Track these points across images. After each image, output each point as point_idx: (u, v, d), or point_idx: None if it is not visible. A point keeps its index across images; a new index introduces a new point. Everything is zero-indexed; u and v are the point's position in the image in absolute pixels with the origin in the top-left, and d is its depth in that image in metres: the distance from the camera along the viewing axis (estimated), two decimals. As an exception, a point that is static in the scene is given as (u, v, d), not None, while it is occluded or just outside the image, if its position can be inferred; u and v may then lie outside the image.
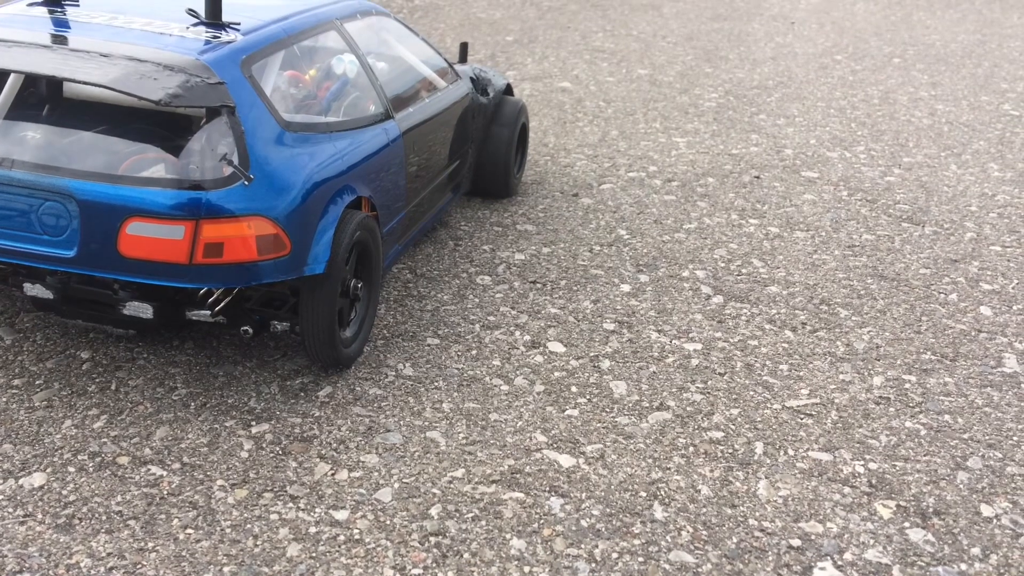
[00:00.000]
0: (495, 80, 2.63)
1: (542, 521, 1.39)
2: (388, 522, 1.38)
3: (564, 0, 7.07)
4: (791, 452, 1.61)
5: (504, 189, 2.68)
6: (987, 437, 1.69)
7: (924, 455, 1.62)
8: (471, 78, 2.53)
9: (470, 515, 1.40)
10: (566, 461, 1.54)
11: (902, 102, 4.48)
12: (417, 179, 2.04)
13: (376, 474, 1.48)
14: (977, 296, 2.31)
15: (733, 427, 1.67)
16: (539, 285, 2.20)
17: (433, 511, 1.40)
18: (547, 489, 1.46)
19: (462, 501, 1.43)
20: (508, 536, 1.36)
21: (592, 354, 1.91)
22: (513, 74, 4.49)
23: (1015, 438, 1.69)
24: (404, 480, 1.47)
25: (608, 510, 1.42)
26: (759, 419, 1.70)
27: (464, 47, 2.84)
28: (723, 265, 2.40)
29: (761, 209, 2.86)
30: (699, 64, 5.06)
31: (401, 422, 1.62)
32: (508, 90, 2.73)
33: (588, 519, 1.40)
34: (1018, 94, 4.86)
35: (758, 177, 3.18)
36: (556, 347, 1.92)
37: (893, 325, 2.12)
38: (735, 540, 1.38)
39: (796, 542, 1.38)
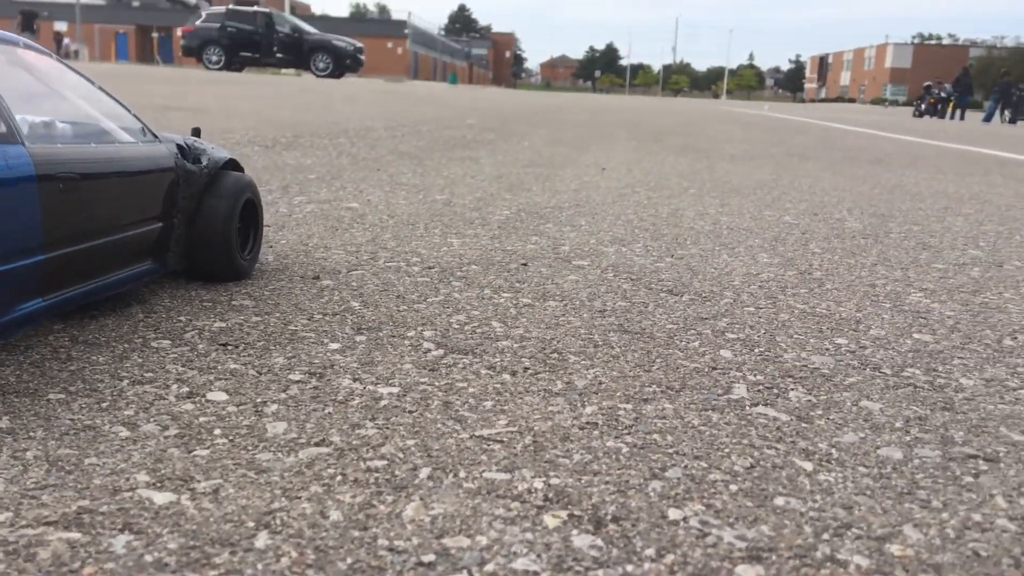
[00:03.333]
0: (212, 152, 2.45)
1: (89, 560, 1.05)
2: None
3: (383, 152, 7.19)
4: (462, 475, 1.34)
5: (227, 270, 2.43)
6: (695, 451, 1.49)
7: (619, 469, 1.39)
8: (179, 145, 2.33)
9: (-14, 559, 1.04)
10: (162, 499, 1.21)
11: (688, 216, 4.62)
12: (69, 225, 1.77)
13: None
14: (719, 343, 2.20)
15: (402, 455, 1.40)
16: (229, 347, 1.92)
17: (-68, 558, 1.04)
18: (118, 528, 1.13)
19: (-15, 546, 1.07)
20: (24, 577, 1.01)
21: (259, 400, 1.62)
22: (301, 199, 4.36)
23: (727, 450, 1.50)
24: (-87, 529, 1.10)
25: (191, 543, 1.10)
26: (437, 447, 1.44)
27: (196, 131, 2.67)
28: (457, 327, 2.20)
29: (518, 287, 2.72)
30: (500, 193, 5.12)
31: (-44, 471, 1.26)
32: (233, 165, 2.55)
33: (156, 554, 1.07)
34: (800, 210, 5.14)
35: (525, 264, 3.07)
36: (217, 396, 1.62)
37: (623, 367, 1.95)
38: (349, 561, 1.08)
39: (429, 557, 1.09)
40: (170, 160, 2.22)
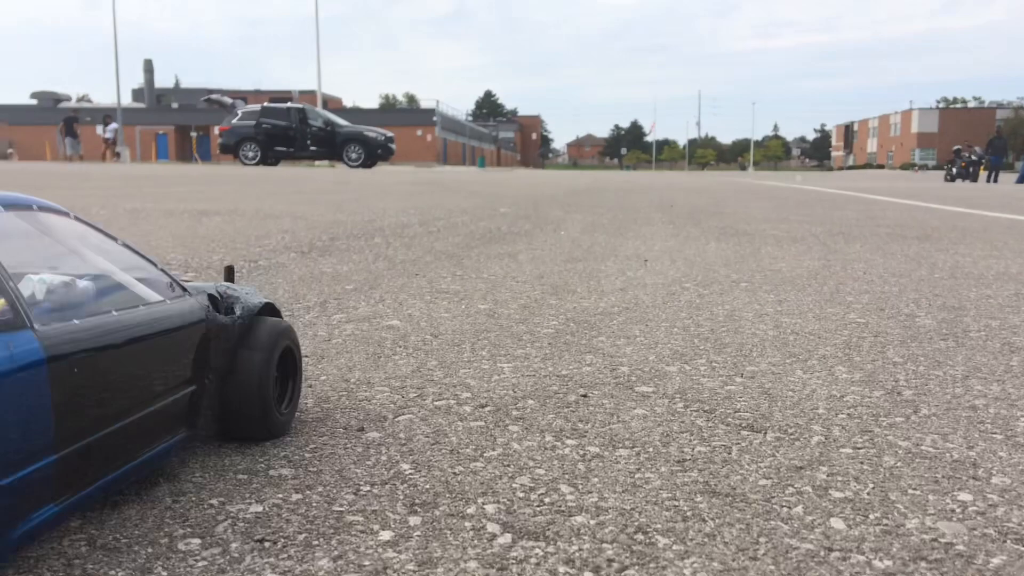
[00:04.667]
0: (247, 298, 2.25)
1: None
2: None
3: (420, 253, 7.06)
4: None
5: (263, 429, 2.20)
6: None
7: None
8: (211, 295, 2.14)
9: None
10: None
11: (747, 318, 4.35)
12: (86, 412, 1.56)
13: None
14: (826, 507, 1.90)
15: None
16: (267, 544, 1.67)
17: None
18: None
19: None
20: None
21: (303, 632, 1.35)
22: (340, 318, 4.17)
23: None
24: None
25: None
26: None
27: (229, 270, 2.49)
28: (522, 496, 1.93)
29: (582, 428, 2.46)
30: (545, 297, 4.90)
31: None
32: (269, 310, 2.34)
33: None
34: (864, 305, 4.85)
35: (585, 396, 2.81)
36: (253, 627, 1.36)
37: (723, 552, 1.66)
38: None
39: None
40: (201, 314, 2.03)
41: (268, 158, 46.49)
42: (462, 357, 3.35)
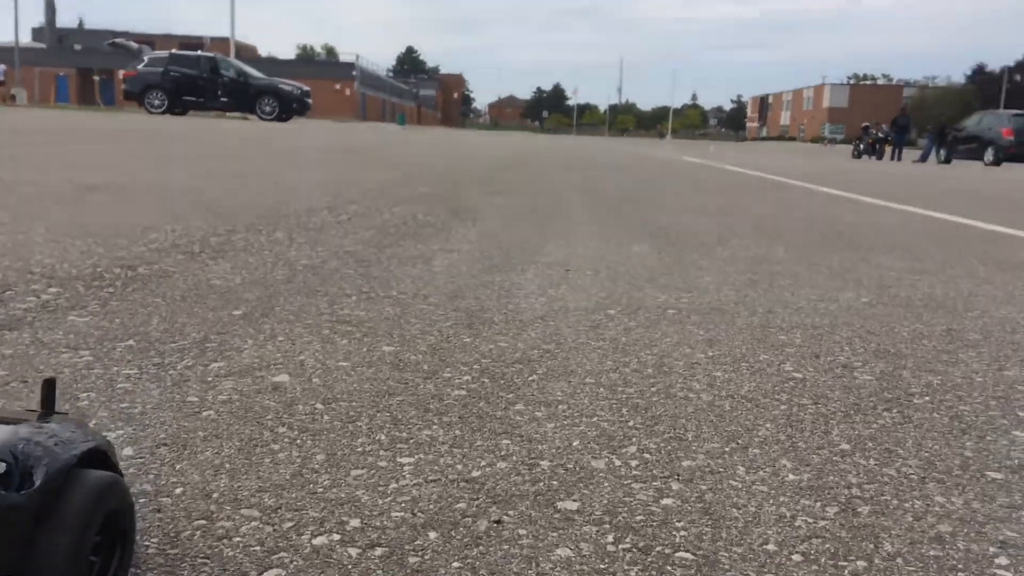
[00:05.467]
0: (55, 453, 1.67)
1: None
2: None
3: (325, 256, 6.47)
4: None
5: (72, 625, 1.66)
6: None
7: None
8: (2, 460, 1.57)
9: None
10: None
11: (678, 370, 3.97)
12: None
13: None
14: None
15: None
16: None
17: None
18: None
19: None
20: None
21: None
22: (218, 367, 3.59)
23: None
24: None
25: None
26: None
27: (48, 387, 1.90)
28: None
29: (493, 589, 2.00)
30: (458, 333, 4.41)
31: None
32: (95, 458, 1.78)
33: None
34: (797, 347, 4.55)
35: (498, 522, 2.36)
36: None
37: None
38: None
39: None
40: (-25, 496, 1.47)
41: (176, 107, 44.12)
42: (354, 445, 2.85)
